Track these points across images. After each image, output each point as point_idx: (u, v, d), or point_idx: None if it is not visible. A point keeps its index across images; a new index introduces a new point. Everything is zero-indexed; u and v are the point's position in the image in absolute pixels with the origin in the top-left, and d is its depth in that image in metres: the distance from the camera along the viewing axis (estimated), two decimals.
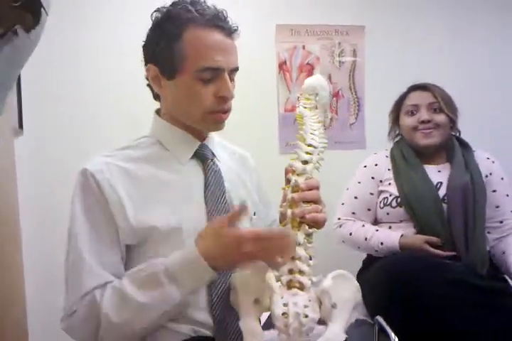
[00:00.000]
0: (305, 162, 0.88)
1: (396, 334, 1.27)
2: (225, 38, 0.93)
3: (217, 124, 0.97)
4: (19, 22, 0.75)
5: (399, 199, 1.59)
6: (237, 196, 1.02)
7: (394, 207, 1.60)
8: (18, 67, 0.81)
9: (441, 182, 1.60)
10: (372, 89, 2.27)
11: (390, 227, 1.63)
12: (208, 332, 0.89)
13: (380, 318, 1.35)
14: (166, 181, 0.94)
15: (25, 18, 0.77)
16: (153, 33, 0.95)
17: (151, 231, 0.88)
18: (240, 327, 0.76)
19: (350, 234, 1.65)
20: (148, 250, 0.90)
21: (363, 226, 1.65)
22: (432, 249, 1.50)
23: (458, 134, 1.74)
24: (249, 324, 0.75)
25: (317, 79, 1.01)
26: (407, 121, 1.68)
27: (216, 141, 1.08)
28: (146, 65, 0.97)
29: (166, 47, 0.91)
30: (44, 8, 0.74)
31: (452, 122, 1.68)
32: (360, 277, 1.64)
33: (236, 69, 0.96)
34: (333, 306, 0.74)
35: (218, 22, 0.92)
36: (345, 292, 0.77)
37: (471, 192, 1.55)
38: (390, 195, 1.62)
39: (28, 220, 1.67)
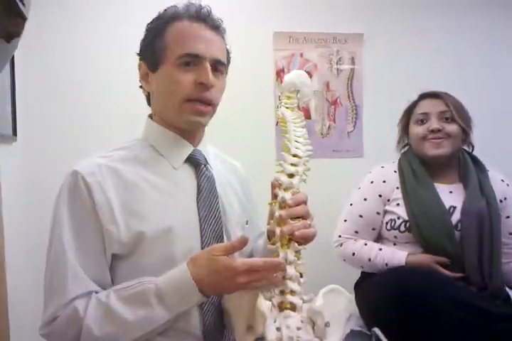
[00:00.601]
0: (291, 175, 0.86)
1: None
2: (207, 29, 0.93)
3: (197, 117, 0.93)
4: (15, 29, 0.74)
5: (407, 224, 1.50)
6: (229, 202, 1.00)
7: (402, 232, 1.51)
8: None
9: (454, 207, 1.49)
10: (371, 97, 2.26)
11: (394, 244, 1.55)
12: None
13: (377, 330, 1.32)
14: (157, 185, 0.91)
15: (19, 25, 0.75)
16: (144, 34, 0.98)
17: (140, 236, 0.85)
18: None
19: (353, 254, 1.57)
20: (136, 258, 0.87)
21: (366, 244, 1.56)
22: (440, 268, 1.43)
23: (471, 149, 1.64)
24: None
25: (297, 75, 0.97)
26: (416, 130, 1.59)
27: (208, 147, 1.06)
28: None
29: (150, 42, 0.94)
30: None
31: (465, 133, 1.56)
32: (359, 287, 1.61)
33: (220, 62, 0.94)
34: (327, 325, 0.72)
35: (201, 16, 0.93)
36: (338, 306, 0.75)
37: (487, 219, 1.45)
38: (398, 218, 1.53)
39: (15, 229, 1.63)
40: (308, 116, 2.16)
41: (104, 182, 0.87)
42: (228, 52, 1.00)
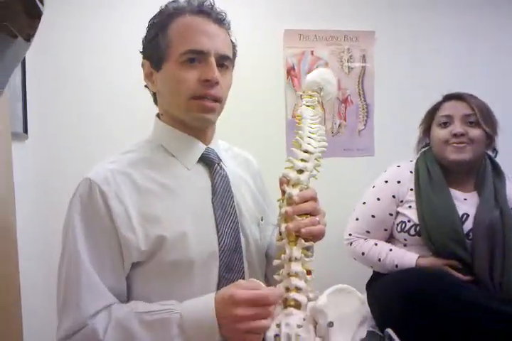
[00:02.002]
0: (300, 171, 0.84)
1: None
2: (211, 23, 0.90)
3: (204, 114, 0.89)
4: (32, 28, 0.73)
5: (418, 228, 1.48)
6: (244, 200, 0.98)
7: (412, 235, 1.49)
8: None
9: (467, 215, 1.46)
10: (382, 95, 2.24)
11: (404, 245, 1.53)
12: None
13: (390, 331, 1.30)
14: (171, 188, 0.89)
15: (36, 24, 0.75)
16: (146, 31, 0.95)
17: (159, 240, 0.84)
18: None
19: (363, 253, 1.56)
20: (154, 263, 0.84)
21: (376, 244, 1.55)
22: (452, 271, 1.41)
23: (494, 155, 1.58)
24: None
25: (321, 73, 0.95)
26: (438, 133, 1.53)
27: (220, 143, 1.04)
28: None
29: (153, 40, 0.91)
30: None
31: (489, 138, 1.51)
32: (370, 287, 1.60)
33: (226, 57, 0.91)
34: (330, 325, 0.69)
35: (203, 9, 0.90)
36: (346, 308, 0.72)
37: (499, 229, 1.41)
38: (409, 221, 1.51)
39: (26, 228, 1.64)
40: None
41: (119, 189, 0.84)
42: (234, 46, 0.97)
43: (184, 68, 0.87)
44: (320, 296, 0.72)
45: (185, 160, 0.93)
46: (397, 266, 1.48)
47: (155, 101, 1.00)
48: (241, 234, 0.93)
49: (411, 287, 1.31)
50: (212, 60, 0.87)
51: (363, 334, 0.74)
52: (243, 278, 0.91)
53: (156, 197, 0.87)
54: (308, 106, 0.92)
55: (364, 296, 1.56)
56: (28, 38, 0.68)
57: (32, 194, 1.76)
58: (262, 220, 1.01)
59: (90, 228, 0.83)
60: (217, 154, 0.98)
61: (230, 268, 0.90)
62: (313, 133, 0.88)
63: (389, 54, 2.24)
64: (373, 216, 1.58)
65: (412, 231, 1.50)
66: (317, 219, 0.82)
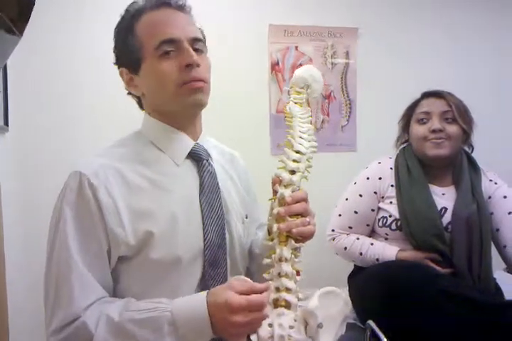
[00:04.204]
0: (292, 172, 0.85)
1: (387, 337, 1.25)
2: (174, 12, 0.91)
3: (196, 95, 0.89)
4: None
5: (399, 223, 1.52)
6: (230, 196, 0.99)
7: (393, 230, 1.53)
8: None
9: (445, 209, 1.51)
10: (365, 91, 2.27)
11: (386, 239, 1.57)
12: None
13: (372, 323, 1.33)
14: (160, 184, 0.90)
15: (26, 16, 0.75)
16: (115, 40, 0.94)
17: (147, 235, 0.84)
18: None
19: (345, 248, 1.59)
20: (142, 258, 0.85)
21: (358, 239, 1.58)
22: (431, 263, 1.45)
23: (471, 150, 1.63)
24: None
25: (307, 70, 0.95)
26: (417, 129, 1.57)
27: (208, 139, 1.04)
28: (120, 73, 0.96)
29: (123, 44, 0.91)
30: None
31: (466, 134, 1.55)
32: (352, 281, 1.62)
33: (198, 39, 0.92)
34: (319, 326, 0.72)
35: (162, 0, 0.91)
36: (333, 308, 0.76)
37: (476, 222, 1.46)
38: (390, 216, 1.54)
39: (10, 220, 1.63)
40: None
41: (108, 183, 0.84)
42: (202, 30, 0.97)
43: (162, 61, 0.88)
44: (311, 298, 0.74)
45: (174, 155, 0.94)
46: (378, 259, 1.52)
47: (140, 105, 1.00)
48: (226, 230, 0.94)
49: (391, 279, 1.34)
50: (187, 45, 0.88)
51: (343, 330, 0.78)
52: (226, 274, 0.92)
53: (145, 193, 0.87)
54: (296, 103, 0.93)
55: (348, 298, 1.58)
56: (20, 30, 0.68)
57: (12, 187, 1.74)
58: (246, 218, 1.03)
59: (80, 221, 0.83)
60: (206, 150, 0.98)
61: (214, 264, 0.91)
62: (303, 133, 0.89)
63: (372, 50, 2.26)
64: (356, 212, 1.60)
65: (393, 226, 1.53)
66: (308, 220, 0.84)
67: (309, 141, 0.89)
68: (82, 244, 0.82)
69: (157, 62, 0.88)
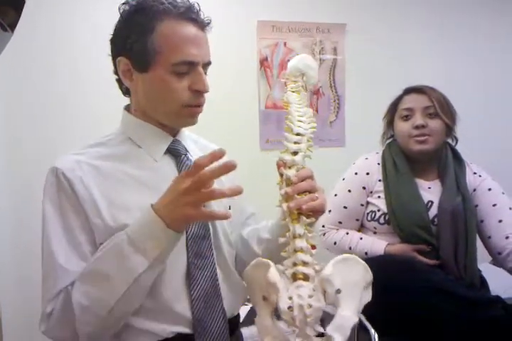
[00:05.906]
0: (294, 153, 0.87)
1: (376, 330, 1.27)
2: (199, 31, 0.91)
3: (192, 118, 0.94)
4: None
5: (387, 217, 1.54)
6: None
7: (382, 224, 1.55)
8: None
9: (431, 202, 1.53)
10: (353, 87, 2.29)
11: (375, 233, 1.59)
12: (187, 330, 0.88)
13: (361, 316, 1.35)
14: (139, 179, 0.91)
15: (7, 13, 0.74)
16: (124, 26, 0.92)
17: (125, 228, 0.84)
18: (256, 323, 0.75)
19: (335, 243, 1.61)
20: None
21: (347, 233, 1.61)
22: (419, 256, 1.48)
23: (454, 143, 1.65)
24: (262, 321, 0.75)
25: (300, 59, 0.98)
26: (402, 126, 1.58)
27: (187, 135, 1.06)
28: (113, 58, 0.94)
29: (138, 40, 0.89)
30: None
31: (449, 128, 1.56)
32: None
33: (209, 63, 0.94)
34: (338, 292, 0.73)
35: (191, 15, 0.90)
36: (352, 275, 0.76)
37: (462, 215, 1.49)
38: (378, 210, 1.57)
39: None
40: None
41: (85, 176, 0.87)
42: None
43: (174, 77, 0.88)
44: (325, 266, 0.75)
45: (152, 152, 0.95)
46: (366, 253, 1.54)
47: (127, 93, 0.99)
48: (209, 222, 0.96)
49: (380, 274, 1.35)
50: (201, 70, 0.90)
51: (369, 297, 0.79)
52: (213, 264, 0.94)
53: (124, 186, 0.89)
54: (293, 91, 0.95)
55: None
56: (12, 27, 0.68)
57: (1, 183, 1.73)
58: (229, 209, 1.03)
59: (62, 213, 0.86)
60: (184, 145, 1.00)
61: (199, 254, 0.92)
62: (301, 116, 0.91)
63: (360, 46, 2.28)
64: (345, 207, 1.62)
65: (382, 220, 1.55)
66: (316, 195, 0.85)
67: (308, 123, 0.91)
68: (64, 235, 0.85)
69: (169, 76, 0.88)
